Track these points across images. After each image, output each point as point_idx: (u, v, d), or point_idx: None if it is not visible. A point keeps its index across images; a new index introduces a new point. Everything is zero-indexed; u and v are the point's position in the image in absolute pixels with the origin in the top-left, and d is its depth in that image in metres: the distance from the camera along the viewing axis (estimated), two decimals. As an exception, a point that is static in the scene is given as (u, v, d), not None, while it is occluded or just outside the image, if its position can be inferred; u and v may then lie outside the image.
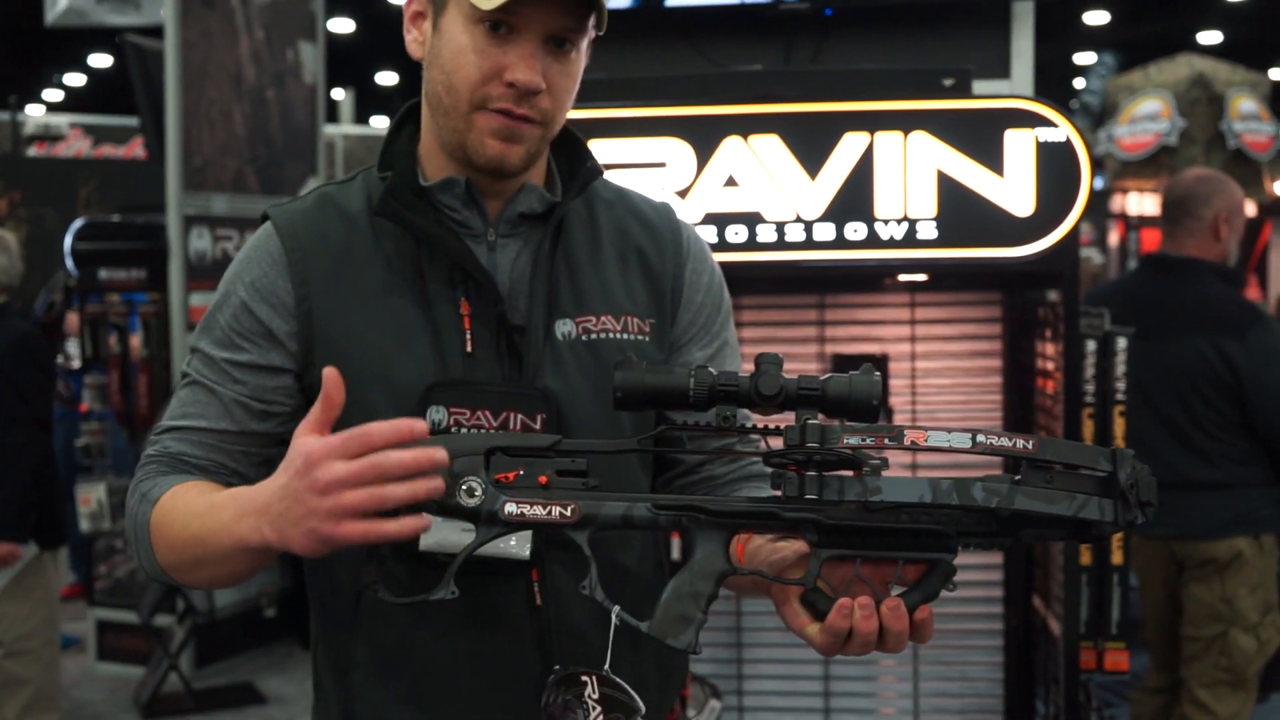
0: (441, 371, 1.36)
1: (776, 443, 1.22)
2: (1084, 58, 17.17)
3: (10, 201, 9.31)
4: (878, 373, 1.21)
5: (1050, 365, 2.64)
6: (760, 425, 1.24)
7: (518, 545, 1.36)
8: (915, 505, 1.17)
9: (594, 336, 1.43)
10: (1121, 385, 2.71)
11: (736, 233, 2.53)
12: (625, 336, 1.44)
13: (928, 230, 2.48)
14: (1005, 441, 1.16)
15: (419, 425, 1.18)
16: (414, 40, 1.41)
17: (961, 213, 2.46)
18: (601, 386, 1.38)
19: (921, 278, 2.69)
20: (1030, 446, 1.16)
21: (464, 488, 1.23)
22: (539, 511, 1.23)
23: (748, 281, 2.51)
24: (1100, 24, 16.72)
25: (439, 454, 1.17)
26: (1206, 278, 3.60)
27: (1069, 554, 2.57)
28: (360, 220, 1.42)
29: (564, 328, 1.42)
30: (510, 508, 1.23)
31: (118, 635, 5.80)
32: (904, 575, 1.22)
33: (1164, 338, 3.51)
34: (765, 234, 2.53)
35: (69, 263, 6.15)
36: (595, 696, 1.29)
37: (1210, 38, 17.51)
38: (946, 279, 2.68)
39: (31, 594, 4.24)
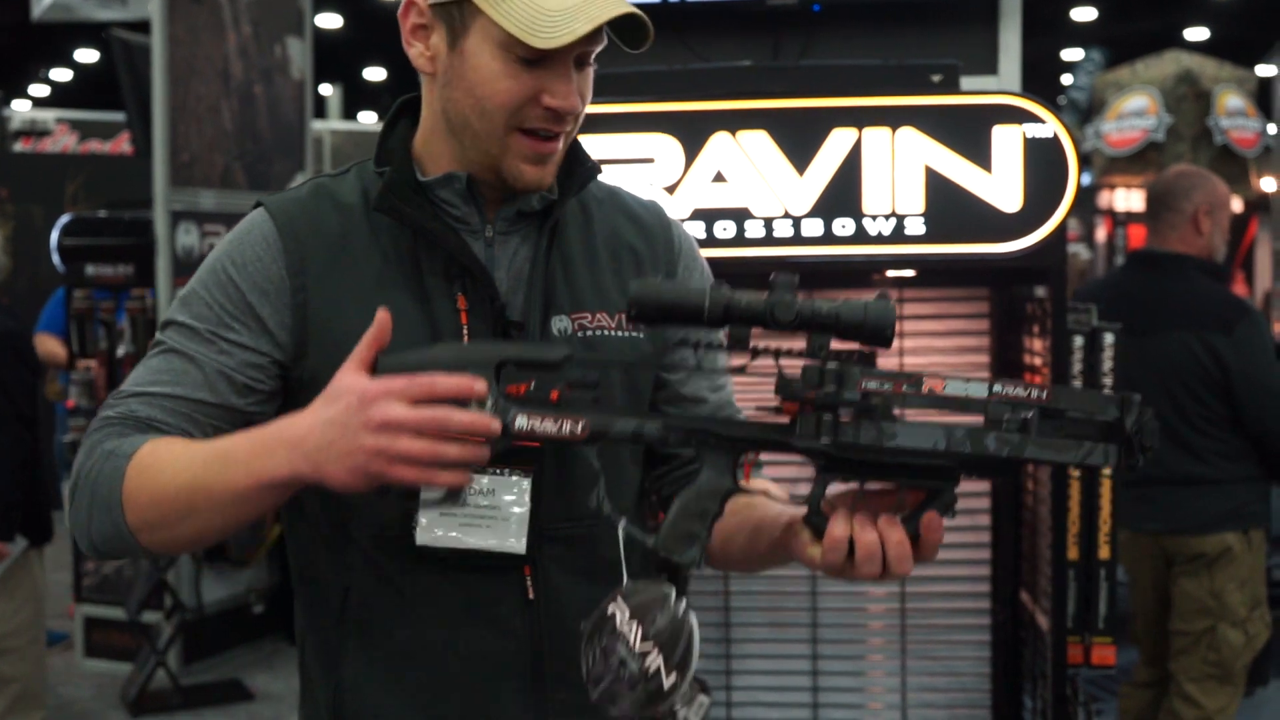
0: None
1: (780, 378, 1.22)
2: (1071, 54, 17.20)
3: (-4, 197, 9.28)
4: (891, 301, 1.21)
5: (1038, 361, 2.64)
6: (773, 349, 1.23)
7: (515, 541, 1.35)
8: (929, 452, 1.19)
9: (589, 333, 1.43)
10: (1109, 381, 2.71)
11: (724, 229, 2.53)
12: (620, 334, 1.45)
13: (915, 226, 2.48)
14: (1020, 391, 1.18)
15: (480, 385, 1.19)
16: (420, 54, 1.39)
17: (949, 209, 2.47)
18: (631, 387, 1.41)
19: (909, 273, 2.69)
20: (1044, 396, 1.18)
21: (475, 401, 1.23)
22: (549, 426, 1.23)
23: (735, 277, 2.50)
24: (1088, 20, 16.75)
25: (494, 424, 1.19)
26: (1193, 273, 3.61)
27: (1056, 549, 2.57)
28: (356, 213, 1.41)
29: (560, 324, 1.42)
30: (520, 421, 1.23)
31: (105, 631, 5.79)
32: (905, 501, 1.24)
33: (1151, 333, 3.52)
34: (753, 230, 2.53)
35: (55, 259, 6.13)
36: (627, 616, 1.26)
37: (1197, 34, 17.55)
38: (934, 275, 2.68)
39: (17, 591, 4.23)
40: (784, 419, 1.22)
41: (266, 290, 1.37)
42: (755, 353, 1.23)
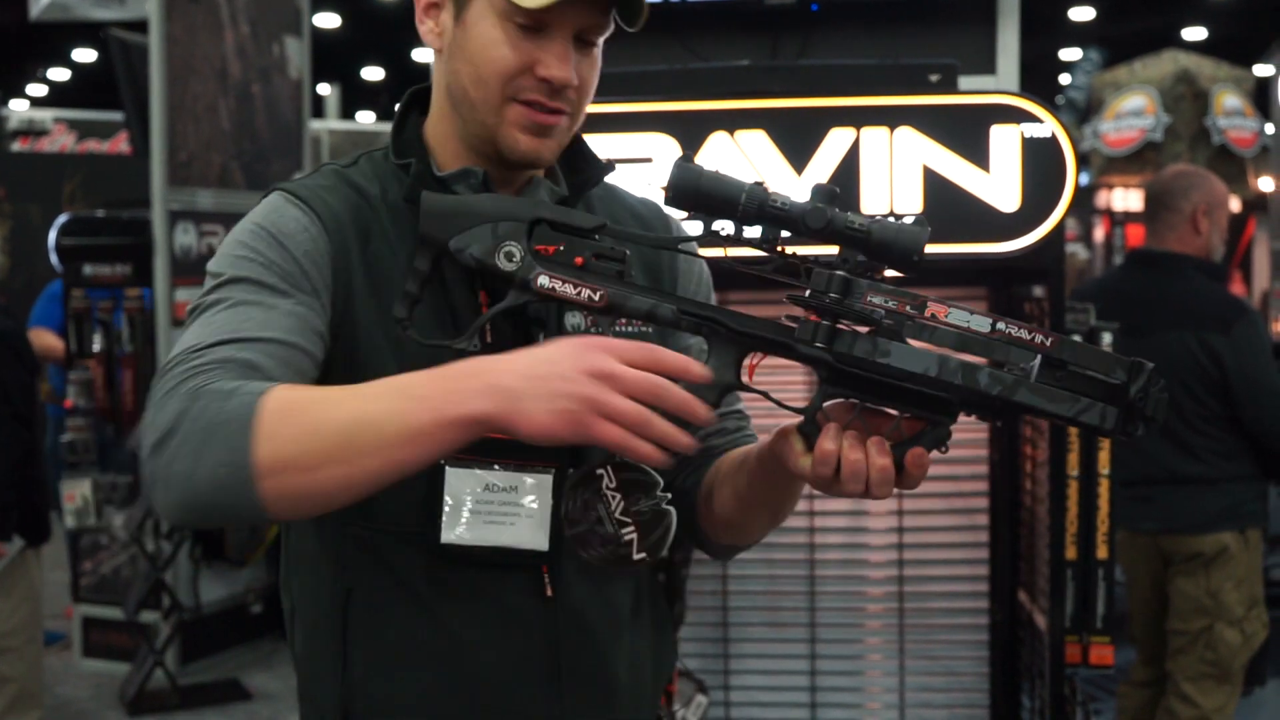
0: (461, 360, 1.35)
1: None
2: (1069, 54, 17.21)
3: (-6, 197, 9.28)
4: (928, 227, 1.23)
5: (1036, 360, 2.64)
6: (800, 255, 1.24)
7: (538, 538, 1.36)
8: (919, 376, 1.19)
9: (601, 329, 1.43)
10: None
11: (723, 227, 2.52)
12: (630, 329, 1.45)
13: (914, 225, 2.48)
14: (1024, 333, 1.18)
15: (697, 368, 1.17)
16: (430, 31, 1.41)
17: (947, 208, 2.47)
18: None
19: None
20: (1048, 343, 1.18)
21: (504, 251, 1.25)
22: (569, 290, 1.24)
23: (733, 276, 2.50)
24: (1086, 20, 16.76)
25: (706, 412, 1.18)
26: (1191, 273, 3.62)
27: (1054, 548, 2.58)
28: (377, 204, 1.40)
29: (573, 319, 1.42)
30: (543, 280, 1.25)
31: (103, 631, 5.78)
32: (902, 429, 1.24)
33: (1150, 333, 3.52)
34: (751, 229, 2.52)
35: (53, 258, 6.12)
36: (613, 485, 1.29)
37: (1195, 34, 17.56)
38: (932, 274, 2.66)
39: (14, 591, 4.23)
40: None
41: (318, 263, 1.33)
42: (783, 255, 1.25)
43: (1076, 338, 2.62)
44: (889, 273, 1.27)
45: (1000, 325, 1.19)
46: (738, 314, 1.26)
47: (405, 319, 1.28)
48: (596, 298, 1.24)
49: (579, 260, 1.26)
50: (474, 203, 1.30)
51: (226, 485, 1.13)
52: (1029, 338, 1.18)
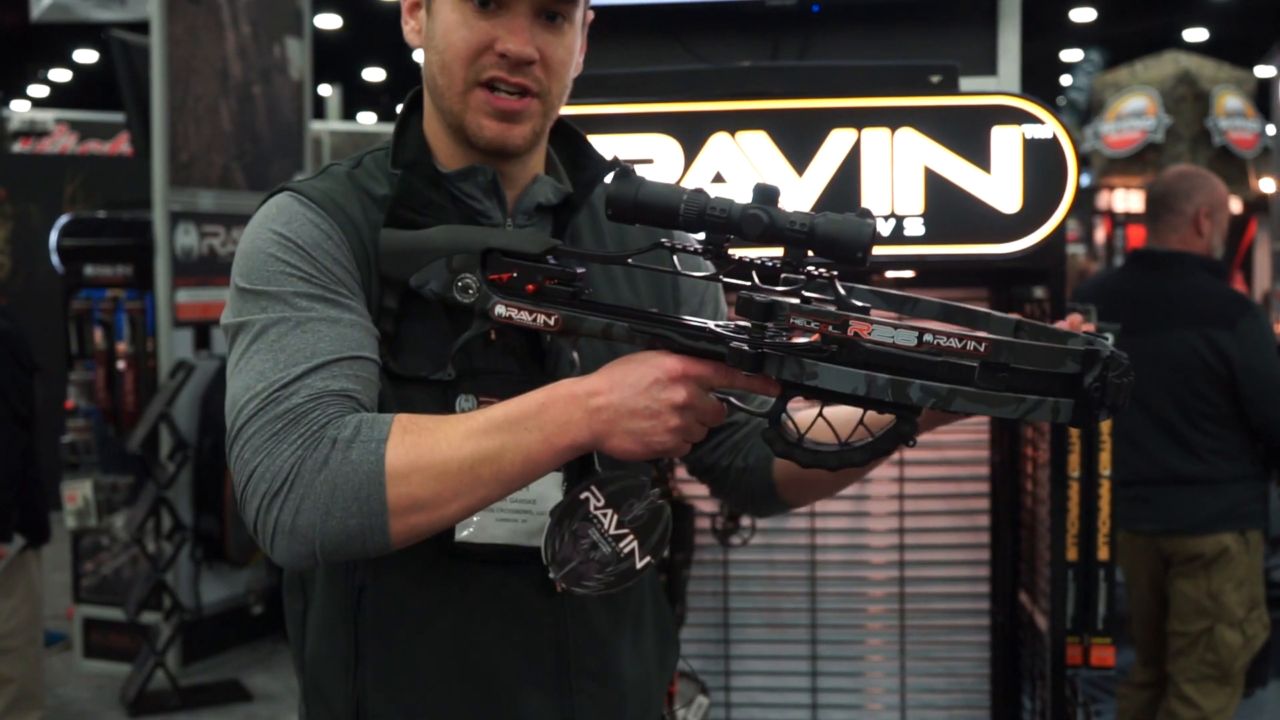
0: (467, 360, 1.36)
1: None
2: (1071, 55, 17.21)
3: (-5, 198, 9.27)
4: (871, 219, 1.21)
5: (1037, 361, 2.64)
6: (752, 260, 1.25)
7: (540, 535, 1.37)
8: (847, 396, 1.20)
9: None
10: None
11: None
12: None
13: (914, 227, 2.48)
14: (954, 343, 1.16)
15: (760, 385, 1.24)
16: (411, 30, 1.43)
17: (948, 209, 2.46)
18: None
19: (909, 274, 2.69)
20: (982, 349, 1.15)
21: (460, 283, 1.28)
22: (525, 316, 1.28)
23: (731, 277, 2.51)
24: (1087, 21, 16.76)
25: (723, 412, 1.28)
26: (1193, 271, 3.62)
27: (1055, 550, 2.57)
28: (383, 206, 1.39)
29: None
30: (500, 309, 1.28)
31: (104, 632, 5.79)
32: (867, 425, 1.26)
33: (1152, 331, 3.52)
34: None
35: (54, 259, 6.13)
36: (600, 503, 1.31)
37: (1196, 35, 17.56)
38: (933, 275, 2.68)
39: (14, 592, 4.23)
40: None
41: (345, 266, 1.34)
42: (731, 260, 1.25)
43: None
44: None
45: (928, 337, 1.16)
46: (691, 328, 1.26)
47: (389, 359, 1.31)
48: (551, 322, 1.27)
49: (531, 287, 1.28)
50: (428, 238, 1.31)
51: (358, 535, 1.21)
52: (960, 346, 1.15)
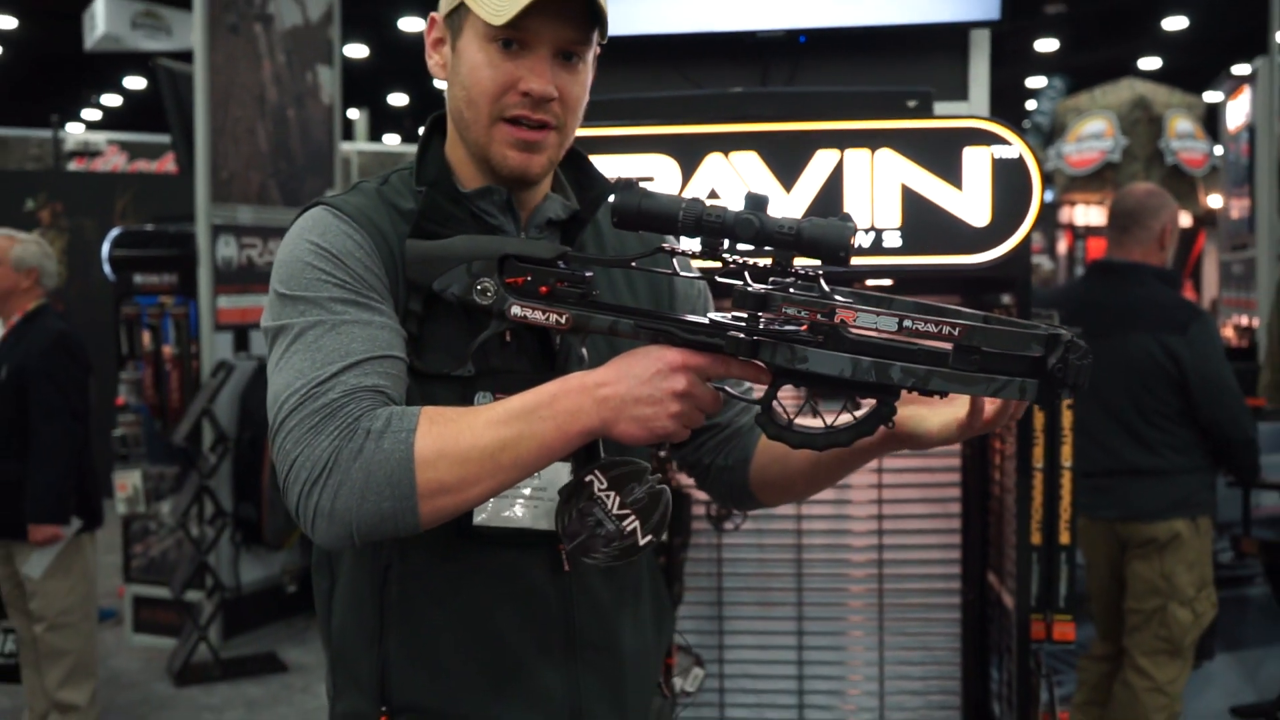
0: (485, 360, 1.36)
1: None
2: (1035, 82, 17.20)
3: (53, 212, 9.27)
4: (852, 223, 1.22)
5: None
6: (744, 262, 1.26)
7: (552, 519, 1.37)
8: (833, 379, 1.21)
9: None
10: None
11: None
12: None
13: (893, 239, 2.48)
14: (931, 327, 1.18)
15: (753, 373, 1.25)
16: (436, 64, 1.42)
17: (923, 223, 2.46)
18: None
19: (887, 282, 2.69)
20: (956, 333, 1.18)
21: (479, 287, 1.29)
22: (539, 315, 1.29)
23: (718, 288, 2.51)
24: (1050, 51, 16.76)
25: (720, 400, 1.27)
26: (1149, 281, 3.62)
27: (1021, 534, 2.57)
28: (409, 219, 1.40)
29: None
30: (515, 309, 1.29)
31: (152, 609, 5.79)
32: (850, 407, 1.27)
33: (1111, 335, 3.52)
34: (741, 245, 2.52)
35: (106, 268, 6.13)
36: (604, 485, 1.31)
37: (1150, 63, 17.55)
38: (910, 284, 2.67)
39: (71, 572, 4.24)
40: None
41: (376, 274, 1.35)
42: (726, 262, 1.26)
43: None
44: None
45: (907, 323, 1.19)
46: (688, 323, 1.27)
47: (415, 359, 1.31)
48: (563, 320, 1.28)
49: (544, 289, 1.29)
50: (450, 246, 1.32)
51: (390, 516, 1.22)
52: (936, 330, 1.18)
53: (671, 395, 1.22)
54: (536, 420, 1.22)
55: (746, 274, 1.25)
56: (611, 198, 1.29)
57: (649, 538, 1.32)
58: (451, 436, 1.22)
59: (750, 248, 1.25)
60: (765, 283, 1.25)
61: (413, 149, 1.49)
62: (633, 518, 1.31)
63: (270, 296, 1.35)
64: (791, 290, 1.23)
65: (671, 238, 1.39)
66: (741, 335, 1.23)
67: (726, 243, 1.25)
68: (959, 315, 1.21)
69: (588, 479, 1.31)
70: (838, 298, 1.23)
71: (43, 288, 4.29)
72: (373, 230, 1.36)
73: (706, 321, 1.26)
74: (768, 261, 1.24)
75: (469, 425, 1.23)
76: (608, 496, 1.31)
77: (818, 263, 1.25)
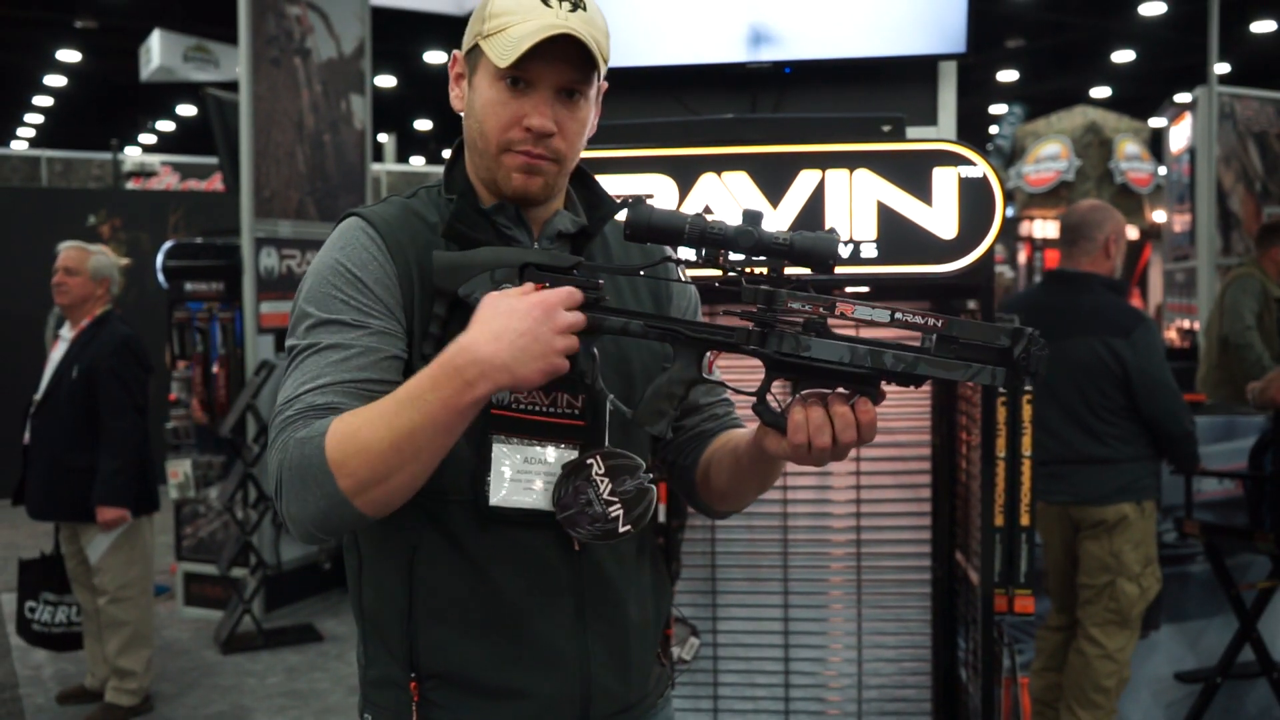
0: None
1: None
2: (998, 108, 17.21)
3: (112, 227, 9.29)
4: (839, 234, 1.26)
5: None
6: (742, 270, 1.28)
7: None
8: (836, 363, 1.23)
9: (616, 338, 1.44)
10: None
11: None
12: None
13: (869, 250, 2.48)
14: (918, 319, 1.22)
15: (579, 295, 1.25)
16: (456, 97, 1.43)
17: (897, 236, 2.46)
18: (624, 374, 1.42)
19: (864, 290, 2.69)
20: (940, 324, 1.21)
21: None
22: None
23: (717, 293, 2.50)
24: (1011, 81, 16.77)
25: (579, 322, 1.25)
26: (1098, 289, 3.61)
27: (985, 517, 2.57)
28: (437, 231, 1.40)
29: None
30: None
31: (201, 585, 5.79)
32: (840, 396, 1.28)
33: (1064, 338, 3.51)
34: (734, 254, 2.52)
35: (160, 277, 6.13)
36: (601, 471, 1.32)
37: (1101, 92, 17.56)
38: (885, 291, 2.67)
39: (131, 551, 4.24)
40: (745, 325, 1.27)
41: (388, 285, 1.34)
42: (726, 270, 1.28)
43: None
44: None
45: (898, 315, 1.22)
46: (693, 323, 1.29)
47: (433, 354, 1.28)
48: (580, 321, 1.27)
49: None
50: (474, 255, 1.31)
51: (330, 513, 1.22)
52: (922, 321, 1.21)
53: (559, 332, 1.21)
54: (427, 403, 1.19)
55: (744, 280, 1.26)
56: (624, 213, 1.29)
57: (628, 528, 1.33)
58: (353, 435, 1.20)
59: (745, 257, 1.26)
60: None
61: (436, 169, 1.49)
62: (619, 506, 1.32)
63: (294, 303, 1.37)
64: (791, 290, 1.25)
65: (670, 248, 1.39)
66: (753, 325, 1.25)
67: (725, 253, 1.26)
68: (936, 317, 1.22)
69: (589, 460, 1.32)
70: (835, 295, 1.25)
71: (110, 295, 4.30)
72: (394, 240, 1.36)
73: (706, 324, 1.27)
74: (763, 270, 1.25)
75: (367, 421, 1.21)
76: (602, 481, 1.32)
77: (806, 271, 1.27)
